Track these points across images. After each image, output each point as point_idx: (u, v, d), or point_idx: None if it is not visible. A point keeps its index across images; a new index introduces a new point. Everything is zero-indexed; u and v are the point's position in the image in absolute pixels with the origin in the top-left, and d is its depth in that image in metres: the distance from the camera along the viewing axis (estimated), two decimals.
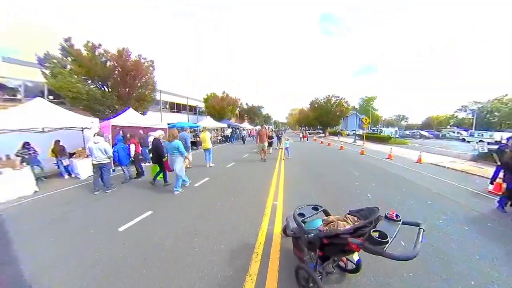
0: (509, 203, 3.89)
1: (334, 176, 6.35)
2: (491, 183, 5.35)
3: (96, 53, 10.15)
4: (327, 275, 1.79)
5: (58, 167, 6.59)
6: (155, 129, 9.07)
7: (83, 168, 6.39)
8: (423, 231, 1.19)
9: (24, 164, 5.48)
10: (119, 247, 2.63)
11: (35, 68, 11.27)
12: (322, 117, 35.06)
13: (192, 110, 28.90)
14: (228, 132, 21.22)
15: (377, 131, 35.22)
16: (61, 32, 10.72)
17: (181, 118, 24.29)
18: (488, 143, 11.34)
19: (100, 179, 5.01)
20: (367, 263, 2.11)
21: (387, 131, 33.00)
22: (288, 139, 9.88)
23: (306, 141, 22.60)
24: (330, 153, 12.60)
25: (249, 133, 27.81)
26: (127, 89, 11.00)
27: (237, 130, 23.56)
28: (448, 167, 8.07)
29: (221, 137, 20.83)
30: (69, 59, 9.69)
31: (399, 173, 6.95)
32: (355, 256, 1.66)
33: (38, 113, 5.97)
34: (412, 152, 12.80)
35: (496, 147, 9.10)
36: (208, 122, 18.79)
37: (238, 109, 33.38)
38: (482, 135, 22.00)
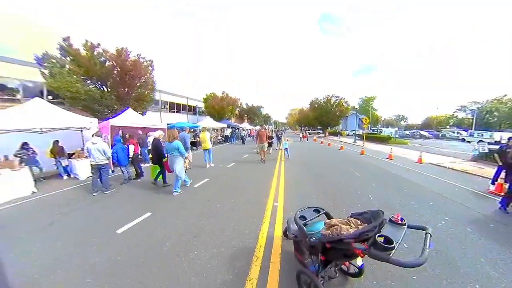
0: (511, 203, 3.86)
1: (335, 177, 6.32)
2: (493, 183, 5.33)
3: (95, 53, 10.09)
4: (329, 279, 1.75)
5: (57, 168, 6.54)
6: (154, 129, 9.03)
7: (82, 169, 6.34)
8: (430, 236, 1.13)
9: (23, 164, 5.43)
10: (117, 250, 2.58)
11: (34, 68, 11.21)
12: (322, 117, 35.03)
13: (192, 110, 28.86)
14: (228, 132, 21.17)
15: (377, 131, 35.22)
16: (61, 32, 10.69)
17: (180, 118, 24.24)
18: (489, 143, 11.32)
19: (99, 180, 4.96)
20: (369, 266, 2.07)
21: (387, 131, 33.01)
22: (287, 140, 9.83)
23: (306, 141, 22.58)
24: (330, 153, 12.56)
25: (248, 133, 27.77)
26: (126, 89, 10.94)
27: (237, 130, 23.51)
28: (448, 167, 8.05)
29: (220, 137, 20.78)
30: (68, 58, 9.64)
31: (399, 173, 6.92)
32: (359, 261, 1.62)
33: (36, 113, 5.92)
34: (412, 152, 12.78)
35: (496, 147, 9.14)
36: (207, 122, 18.75)
37: (237, 109, 33.33)
38: (482, 135, 21.99)
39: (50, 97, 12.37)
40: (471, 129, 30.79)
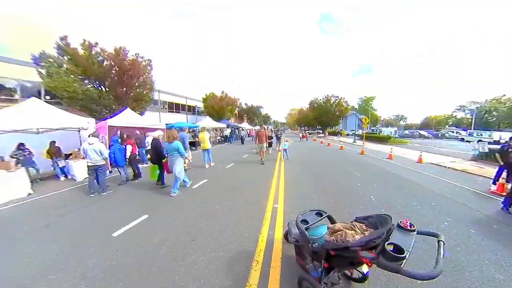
0: None
1: (335, 177, 6.26)
2: (494, 183, 5.30)
3: (93, 52, 9.99)
4: (332, 286, 1.68)
5: (54, 169, 6.45)
6: (152, 130, 8.95)
7: (79, 170, 6.25)
8: (444, 243, 1.04)
9: (19, 165, 5.33)
10: (112, 254, 2.51)
11: (32, 68, 11.10)
12: (322, 117, 35.00)
13: (191, 110, 28.76)
14: (227, 132, 21.09)
15: (376, 131, 35.19)
16: (61, 32, 10.62)
17: (180, 118, 24.15)
18: (489, 143, 11.31)
19: (95, 181, 4.87)
20: (373, 270, 2.00)
21: (386, 131, 32.99)
22: (287, 141, 9.75)
23: (305, 141, 22.54)
24: (330, 153, 12.51)
25: (248, 133, 27.69)
26: (124, 89, 10.85)
27: (236, 130, 23.43)
28: (449, 167, 8.02)
29: (220, 137, 20.69)
30: (65, 58, 9.53)
31: (400, 173, 6.87)
32: (365, 268, 1.55)
33: (32, 113, 5.82)
34: (412, 152, 12.75)
35: (496, 146, 9.13)
36: (207, 122, 18.66)
37: (237, 109, 33.26)
38: (481, 134, 22.03)
39: (47, 97, 12.27)
40: (470, 129, 30.85)
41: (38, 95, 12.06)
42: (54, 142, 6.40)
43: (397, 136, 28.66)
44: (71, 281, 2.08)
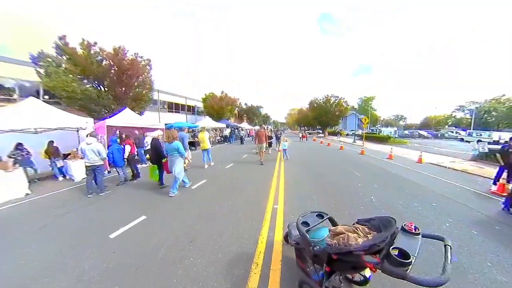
0: None
1: (335, 177, 6.23)
2: (494, 183, 5.28)
3: (92, 52, 9.94)
4: None
5: (52, 169, 6.41)
6: (152, 129, 8.91)
7: (78, 170, 6.20)
8: (451, 248, 0.99)
9: (17, 165, 5.29)
10: (109, 256, 2.47)
11: (30, 67, 11.03)
12: (321, 117, 34.98)
13: (191, 110, 28.70)
14: (227, 132, 21.05)
15: (376, 131, 35.22)
16: (61, 32, 10.55)
17: (179, 118, 24.10)
18: (489, 143, 11.31)
19: (93, 181, 4.83)
20: (375, 274, 1.96)
21: (386, 131, 33.02)
22: (286, 140, 9.69)
23: (305, 141, 22.53)
24: (330, 153, 12.49)
25: (248, 133, 27.65)
26: (123, 89, 10.80)
27: (236, 130, 23.39)
28: (448, 167, 8.00)
29: (219, 137, 20.65)
30: (64, 57, 9.48)
31: (400, 173, 6.85)
32: (367, 272, 1.51)
33: (30, 113, 5.78)
34: (411, 152, 12.74)
35: (495, 146, 9.13)
36: (206, 122, 18.63)
37: (237, 109, 33.22)
38: (481, 134, 22.05)
39: (46, 96, 12.20)
40: (470, 129, 30.87)
41: (37, 95, 11.99)
42: (52, 142, 6.36)
43: (396, 136, 28.67)
44: (66, 284, 2.04)
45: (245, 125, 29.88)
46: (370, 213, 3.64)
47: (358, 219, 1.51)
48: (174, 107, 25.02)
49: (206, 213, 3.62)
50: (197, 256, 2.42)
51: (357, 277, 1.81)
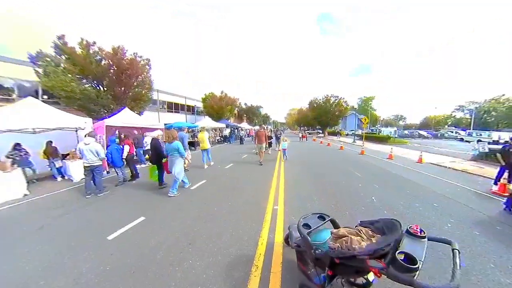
0: None
1: (336, 178, 6.19)
2: (495, 183, 5.26)
3: (91, 51, 9.88)
4: None
5: (51, 169, 6.36)
6: (151, 130, 8.86)
7: (76, 170, 6.17)
8: (459, 252, 0.95)
9: (15, 166, 5.25)
10: (107, 258, 2.43)
11: (29, 67, 10.98)
12: (321, 117, 34.95)
13: (190, 110, 28.65)
14: (226, 132, 21.00)
15: (376, 131, 35.21)
16: (61, 32, 10.51)
17: (179, 118, 24.05)
18: (489, 143, 11.31)
19: (92, 182, 4.79)
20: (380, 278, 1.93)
21: (386, 131, 33.02)
22: (286, 140, 9.64)
23: (305, 141, 22.51)
24: (330, 153, 12.46)
25: (247, 133, 27.61)
26: (122, 88, 10.75)
27: (236, 130, 23.34)
28: (449, 167, 7.99)
29: (219, 137, 20.61)
30: (63, 57, 9.42)
31: (401, 173, 6.83)
32: (371, 276, 1.48)
33: (28, 113, 5.73)
34: (411, 152, 12.73)
35: (495, 146, 9.11)
36: (206, 122, 18.57)
37: (236, 109, 33.17)
38: (481, 134, 22.08)
39: (45, 96, 12.15)
40: (469, 129, 30.90)
41: (36, 95, 11.94)
42: (51, 142, 6.32)
43: (396, 136, 28.67)
44: (63, 287, 2.01)
45: (244, 125, 29.82)
46: (371, 214, 3.61)
47: (360, 221, 1.47)
48: (173, 107, 24.97)
49: (205, 214, 3.58)
50: (196, 258, 2.38)
51: (360, 280, 1.78)
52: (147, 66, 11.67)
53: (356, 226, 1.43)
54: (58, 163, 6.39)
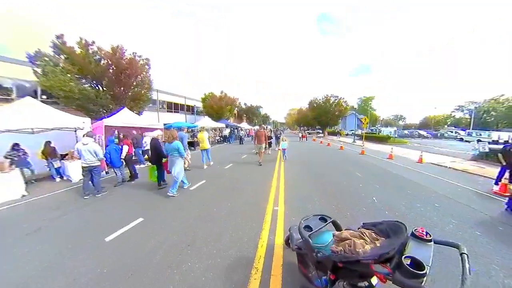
0: None
1: (336, 178, 6.16)
2: (496, 183, 5.23)
3: (90, 51, 9.83)
4: None
5: (50, 170, 6.32)
6: (150, 129, 8.82)
7: (75, 171, 6.11)
8: (467, 256, 0.89)
9: (13, 166, 5.20)
10: (104, 260, 2.39)
11: (28, 67, 10.91)
12: (321, 117, 34.90)
13: (190, 110, 28.58)
14: (226, 132, 20.96)
15: (376, 131, 35.20)
16: (61, 32, 10.42)
17: (178, 118, 23.99)
18: (488, 143, 11.29)
19: (90, 182, 4.75)
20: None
21: (385, 131, 33.01)
22: (285, 140, 9.59)
23: (305, 141, 22.48)
24: (330, 153, 12.43)
25: (247, 133, 27.57)
26: (122, 88, 10.69)
27: (236, 130, 23.29)
28: (449, 167, 7.97)
29: (219, 137, 20.56)
30: (62, 57, 9.37)
31: (401, 173, 6.80)
32: (374, 280, 1.44)
33: (27, 112, 5.68)
34: (412, 151, 12.71)
35: (496, 146, 9.09)
36: (206, 122, 18.52)
37: (236, 109, 33.12)
38: (480, 134, 22.09)
39: (44, 96, 12.08)
40: (469, 129, 30.92)
41: (35, 95, 11.87)
42: (50, 142, 6.27)
43: (396, 136, 28.65)
44: None
45: (244, 125, 29.78)
46: (373, 214, 3.58)
47: (363, 223, 1.43)
48: (173, 107, 24.89)
49: (204, 215, 3.54)
50: (195, 260, 2.34)
51: (363, 282, 1.74)
52: (146, 66, 11.61)
53: (358, 228, 1.40)
54: (57, 164, 6.34)
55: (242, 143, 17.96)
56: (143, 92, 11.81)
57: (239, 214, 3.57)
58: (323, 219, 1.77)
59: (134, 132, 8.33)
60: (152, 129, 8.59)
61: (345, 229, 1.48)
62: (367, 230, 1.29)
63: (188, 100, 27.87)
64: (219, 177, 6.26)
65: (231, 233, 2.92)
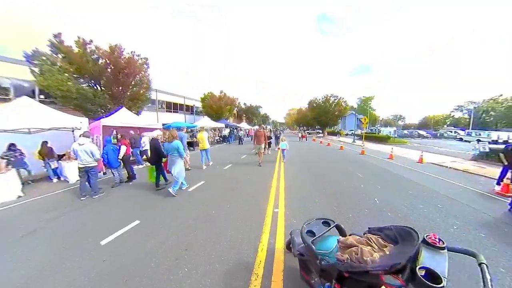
0: None
1: (337, 178, 6.08)
2: (498, 183, 5.19)
3: (88, 50, 9.72)
4: None
5: (47, 170, 6.23)
6: (149, 130, 8.72)
7: (72, 171, 6.03)
8: (487, 266, 0.82)
9: (9, 167, 5.12)
10: (99, 265, 2.31)
11: (25, 66, 10.78)
12: (321, 117, 34.85)
13: (189, 109, 28.46)
14: (226, 132, 20.86)
15: (375, 131, 35.19)
16: (62, 33, 10.31)
17: (178, 118, 23.89)
18: (489, 142, 11.26)
19: (87, 183, 4.67)
20: None
21: (385, 131, 33.02)
22: (284, 141, 9.51)
23: (305, 141, 22.42)
24: (330, 153, 12.37)
25: (247, 133, 27.48)
26: (120, 88, 10.58)
27: (235, 130, 23.21)
28: (450, 167, 7.94)
29: (218, 138, 20.47)
30: (59, 56, 9.25)
31: (402, 174, 6.74)
32: None
33: (24, 112, 5.59)
34: (412, 151, 12.68)
35: (496, 146, 9.06)
36: (205, 122, 18.43)
37: (236, 108, 33.02)
38: (480, 134, 22.11)
39: (42, 96, 11.96)
40: (468, 129, 30.96)
41: (33, 95, 11.76)
42: (46, 142, 6.18)
43: (396, 136, 28.65)
44: None
45: (244, 125, 29.69)
46: (375, 216, 3.51)
47: (369, 228, 1.36)
48: (172, 107, 24.77)
49: (203, 217, 3.46)
50: (193, 265, 2.25)
51: None
52: (145, 65, 11.50)
53: (364, 234, 1.32)
54: (54, 164, 6.25)
55: (242, 143, 17.87)
56: (141, 91, 11.70)
57: (238, 216, 3.49)
58: (326, 223, 1.69)
59: (132, 132, 8.23)
60: (151, 129, 8.49)
61: (350, 234, 1.41)
62: (374, 236, 1.21)
63: (188, 100, 27.75)
64: (218, 178, 6.19)
65: (230, 236, 2.84)
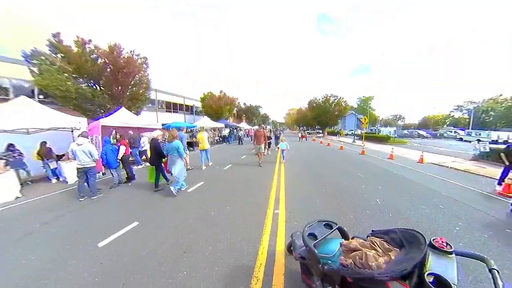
0: None
1: (337, 179, 6.05)
2: (499, 184, 5.16)
3: (87, 50, 9.67)
4: None
5: (46, 171, 6.18)
6: (148, 130, 8.67)
7: (71, 172, 5.98)
8: (498, 272, 0.79)
9: (8, 167, 5.07)
10: (96, 268, 2.26)
11: (24, 66, 10.73)
12: (321, 117, 34.80)
13: (189, 109, 28.42)
14: (225, 132, 20.82)
15: (375, 131, 35.18)
16: (61, 33, 10.27)
17: (177, 118, 23.84)
18: (489, 142, 11.25)
19: (85, 184, 4.62)
20: None
21: (385, 131, 33.02)
22: (284, 141, 9.46)
23: (305, 141, 22.39)
24: (330, 153, 12.33)
25: (247, 133, 27.43)
26: (119, 88, 10.53)
27: (235, 130, 23.17)
28: (450, 167, 7.91)
29: (218, 138, 20.42)
30: (58, 56, 9.21)
31: (403, 174, 6.71)
32: None
33: (22, 112, 5.54)
34: (412, 151, 12.65)
35: (496, 146, 9.04)
36: (205, 122, 18.38)
37: (235, 108, 32.97)
38: (480, 134, 22.12)
39: (41, 96, 11.91)
40: (468, 129, 30.97)
41: (32, 94, 11.71)
42: (45, 142, 6.14)
43: (396, 136, 28.64)
44: None
45: (244, 125, 29.64)
46: (377, 217, 3.47)
47: (372, 230, 1.32)
48: (172, 107, 24.72)
49: (202, 219, 3.42)
50: (191, 269, 2.21)
51: None
52: (144, 65, 11.45)
53: (368, 237, 1.29)
54: (53, 164, 6.21)
55: (242, 143, 17.83)
56: (141, 91, 11.65)
57: (238, 217, 3.45)
58: (328, 225, 1.65)
59: (131, 132, 8.18)
60: (150, 129, 8.44)
61: (353, 237, 1.37)
62: (378, 239, 1.17)
63: (187, 100, 27.70)
64: (218, 178, 6.14)
65: (229, 238, 2.79)
